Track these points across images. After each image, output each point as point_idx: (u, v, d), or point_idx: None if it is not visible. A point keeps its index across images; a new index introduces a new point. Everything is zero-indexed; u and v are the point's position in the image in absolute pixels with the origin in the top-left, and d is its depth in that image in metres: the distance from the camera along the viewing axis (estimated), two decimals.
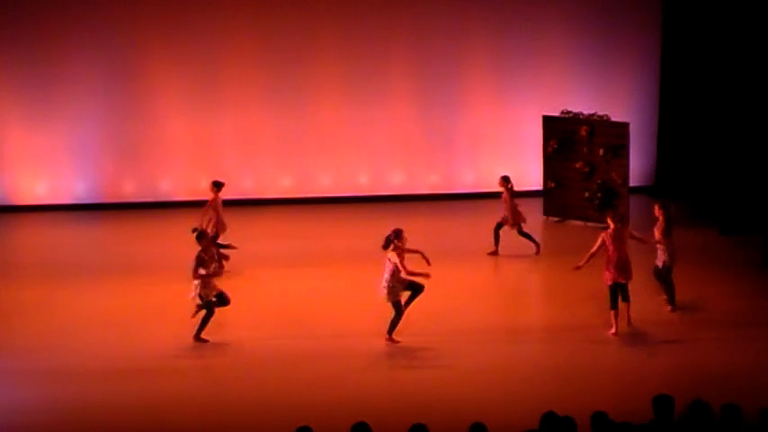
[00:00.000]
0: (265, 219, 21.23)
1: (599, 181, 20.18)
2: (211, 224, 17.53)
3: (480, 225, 19.38)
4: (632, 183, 20.40)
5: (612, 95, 22.03)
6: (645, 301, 15.48)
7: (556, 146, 20.64)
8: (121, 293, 16.96)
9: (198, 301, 14.54)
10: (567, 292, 16.59)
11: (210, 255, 14.75)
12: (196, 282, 14.49)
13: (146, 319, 15.80)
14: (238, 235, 19.94)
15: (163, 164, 22.16)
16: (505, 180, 18.57)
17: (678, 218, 18.64)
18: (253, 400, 12.85)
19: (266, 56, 22.01)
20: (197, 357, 14.23)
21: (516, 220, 18.48)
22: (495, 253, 18.53)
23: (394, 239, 14.34)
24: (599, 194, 20.15)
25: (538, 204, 20.98)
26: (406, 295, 14.53)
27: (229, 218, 19.43)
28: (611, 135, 20.05)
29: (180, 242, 19.05)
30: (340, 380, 13.47)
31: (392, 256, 14.26)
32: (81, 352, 14.42)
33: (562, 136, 20.57)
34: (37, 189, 22.15)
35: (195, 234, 14.96)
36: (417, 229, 18.32)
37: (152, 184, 22.01)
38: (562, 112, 20.66)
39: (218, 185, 17.97)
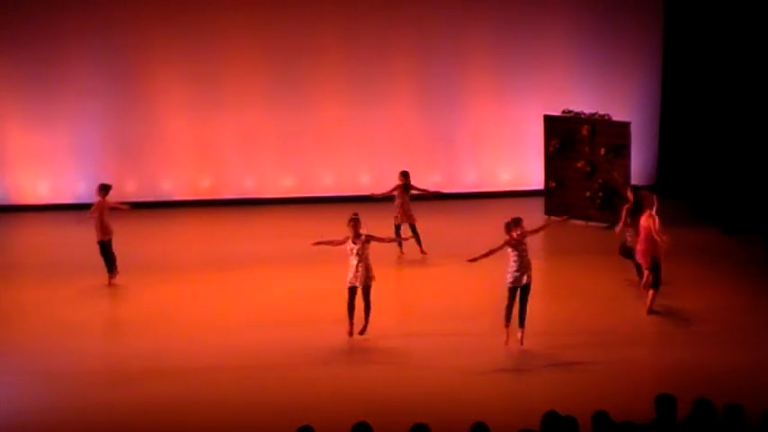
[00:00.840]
0: (266, 218, 21.19)
1: (600, 180, 20.15)
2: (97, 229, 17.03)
3: (481, 225, 19.31)
4: (634, 182, 20.29)
5: (614, 95, 21.98)
6: (644, 300, 15.44)
7: (557, 145, 20.60)
8: (122, 293, 16.94)
9: None
10: (568, 292, 16.57)
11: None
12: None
13: (146, 319, 15.77)
14: (239, 235, 19.98)
15: (164, 163, 22.13)
16: (404, 175, 18.31)
17: (680, 217, 18.66)
18: (253, 399, 12.82)
19: (266, 56, 21.96)
20: (197, 357, 14.17)
21: (409, 219, 18.25)
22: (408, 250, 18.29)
23: (510, 227, 13.96)
24: (600, 194, 20.11)
25: (539, 204, 20.95)
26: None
27: (230, 218, 19.34)
28: (613, 134, 20.02)
29: (180, 242, 19.12)
30: (340, 380, 13.43)
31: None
32: (81, 352, 14.39)
33: (563, 135, 20.53)
34: (38, 188, 22.12)
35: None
36: (418, 228, 18.33)
37: (153, 183, 21.97)
38: (563, 112, 20.62)
39: (104, 188, 17.24)
